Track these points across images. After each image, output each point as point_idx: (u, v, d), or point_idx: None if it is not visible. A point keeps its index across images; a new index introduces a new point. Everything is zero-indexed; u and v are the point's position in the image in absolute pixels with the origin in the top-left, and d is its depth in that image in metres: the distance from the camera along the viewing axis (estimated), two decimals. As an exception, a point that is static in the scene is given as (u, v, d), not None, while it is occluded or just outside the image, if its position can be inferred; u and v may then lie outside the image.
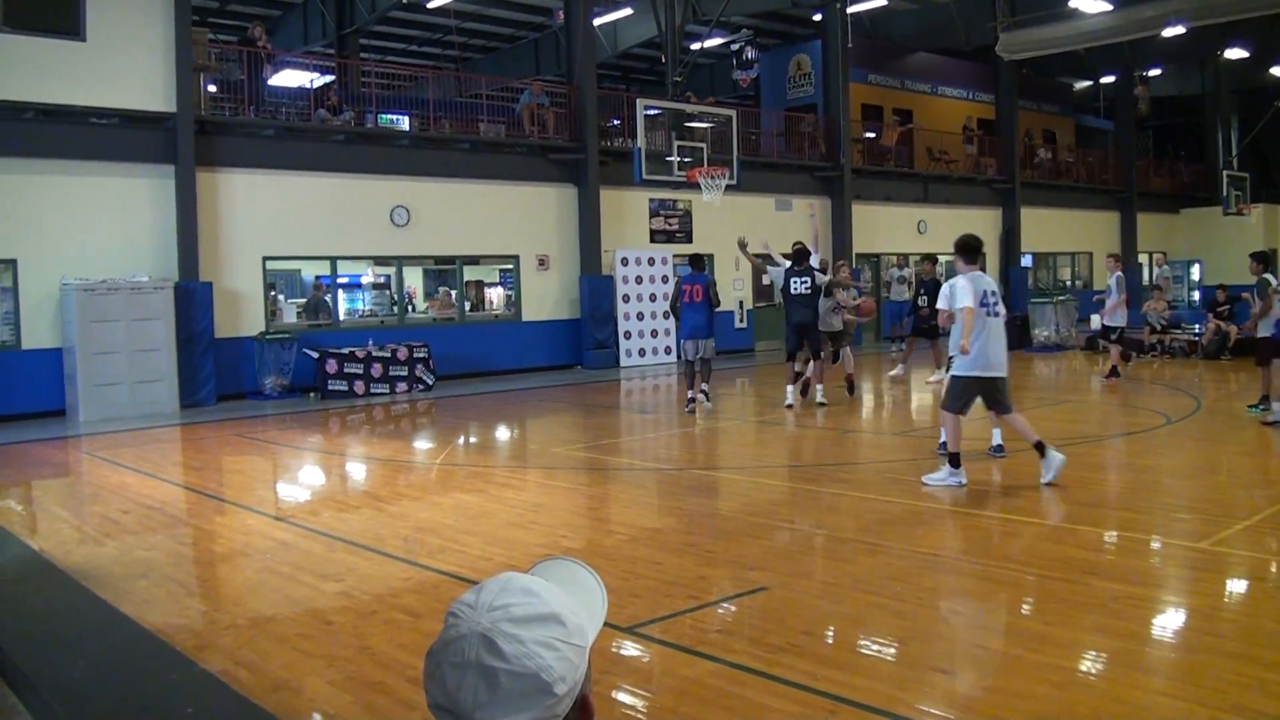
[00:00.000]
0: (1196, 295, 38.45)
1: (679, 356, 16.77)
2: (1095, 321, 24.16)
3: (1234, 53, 35.08)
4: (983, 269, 9.69)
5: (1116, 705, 4.57)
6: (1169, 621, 5.93)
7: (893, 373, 18.72)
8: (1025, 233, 33.99)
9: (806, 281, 14.78)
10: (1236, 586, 6.53)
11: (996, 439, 10.62)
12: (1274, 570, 6.85)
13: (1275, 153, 42.37)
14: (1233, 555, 7.03)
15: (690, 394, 15.33)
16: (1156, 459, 11.21)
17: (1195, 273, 40.30)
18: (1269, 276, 13.22)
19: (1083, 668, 5.12)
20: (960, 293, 9.14)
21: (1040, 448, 9.12)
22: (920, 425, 13.89)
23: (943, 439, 10.20)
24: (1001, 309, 9.44)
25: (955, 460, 9.24)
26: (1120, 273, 17.34)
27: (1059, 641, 5.41)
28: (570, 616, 1.39)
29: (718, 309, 15.20)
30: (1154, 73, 40.60)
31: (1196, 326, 22.51)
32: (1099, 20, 27.01)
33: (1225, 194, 36.41)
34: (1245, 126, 40.62)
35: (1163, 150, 44.77)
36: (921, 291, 16.89)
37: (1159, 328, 22.39)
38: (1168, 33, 27.51)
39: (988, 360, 9.15)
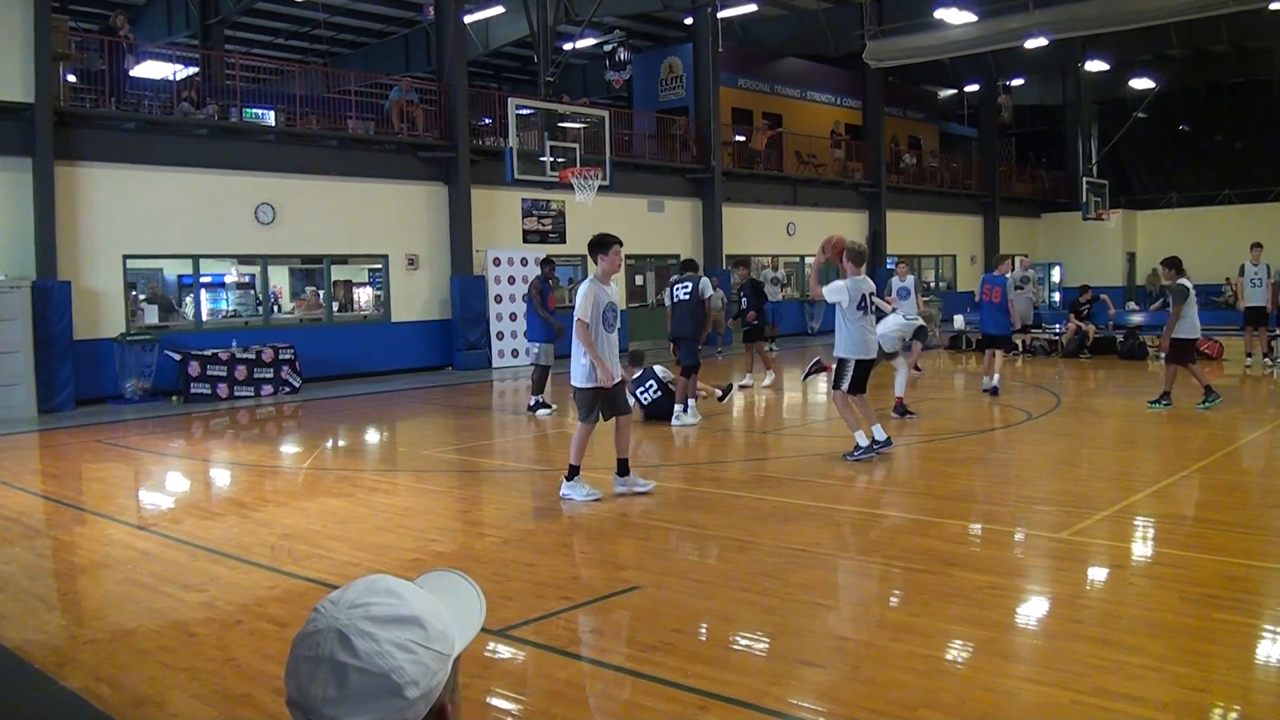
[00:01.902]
0: (1057, 296, 39.80)
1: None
2: (959, 322, 24.93)
3: (1094, 65, 36.51)
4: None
5: (980, 691, 4.70)
6: (1031, 609, 6.11)
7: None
8: (890, 235, 34.78)
9: (687, 288, 14.38)
10: (1095, 574, 6.76)
11: (880, 433, 10.70)
12: (1131, 558, 7.12)
13: (1133, 161, 44.14)
14: (1091, 544, 7.29)
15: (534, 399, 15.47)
16: (1018, 453, 11.56)
17: (1056, 275, 41.73)
18: (1185, 281, 13.72)
19: (947, 656, 5.26)
20: (581, 301, 8.91)
21: (574, 470, 9.08)
22: (791, 425, 14.09)
23: (862, 447, 10.47)
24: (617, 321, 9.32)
25: (574, 472, 9.11)
26: (913, 276, 19.83)
27: (924, 631, 5.55)
28: (434, 622, 1.39)
29: (551, 312, 15.35)
30: (1017, 82, 42.05)
31: (1057, 326, 23.27)
32: (963, 31, 27.78)
33: (1085, 200, 37.77)
34: (1105, 136, 42.21)
35: (1025, 157, 46.33)
36: (741, 295, 16.91)
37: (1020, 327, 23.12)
38: (1030, 44, 28.45)
39: (607, 371, 8.95)
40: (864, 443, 10.51)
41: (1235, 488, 9.43)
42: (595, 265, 9.15)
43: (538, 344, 15.39)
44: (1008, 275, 16.22)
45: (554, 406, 15.36)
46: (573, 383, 9.10)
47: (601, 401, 9.07)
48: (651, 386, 14.03)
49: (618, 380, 9.09)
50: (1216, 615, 5.62)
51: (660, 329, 23.18)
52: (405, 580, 1.45)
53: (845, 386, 10.66)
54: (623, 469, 9.25)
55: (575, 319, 8.85)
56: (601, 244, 9.14)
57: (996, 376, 15.72)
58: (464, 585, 1.54)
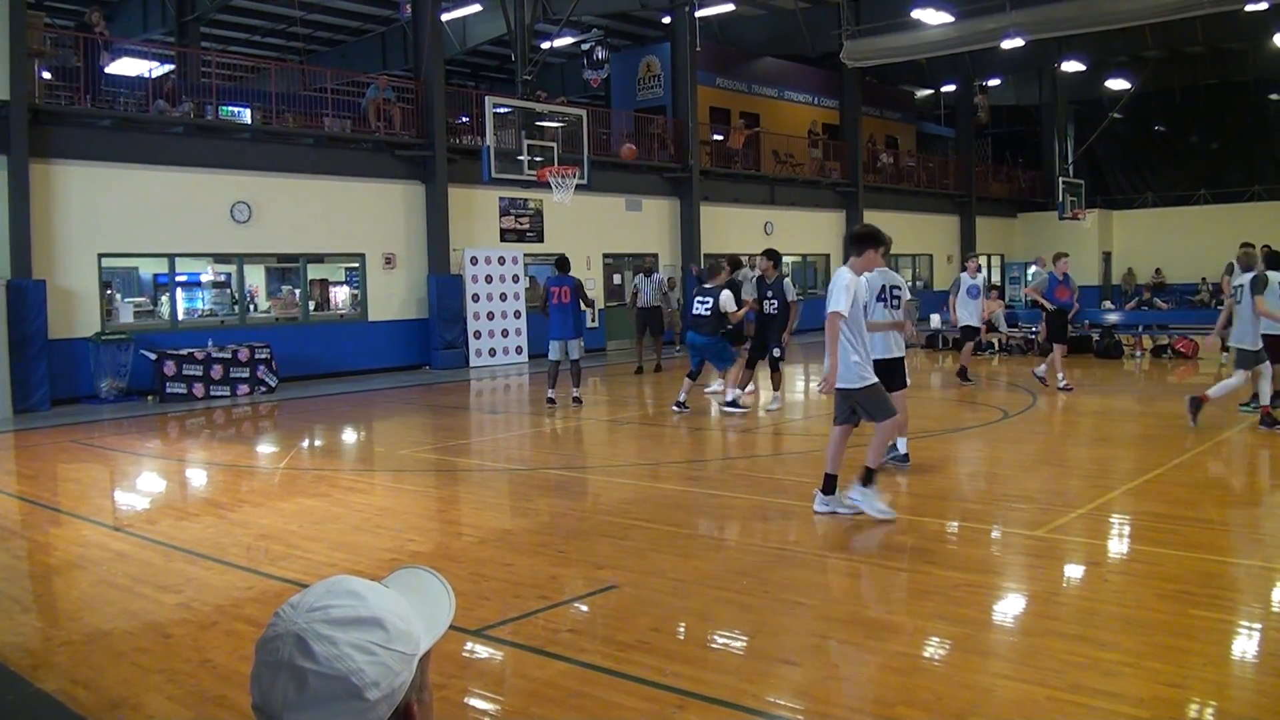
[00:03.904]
0: (1035, 295, 39.94)
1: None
2: (935, 321, 24.93)
3: (1070, 65, 36.71)
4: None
5: (958, 689, 4.72)
6: (1008, 606, 6.15)
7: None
8: (868, 234, 34.77)
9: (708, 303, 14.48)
10: (1071, 571, 6.79)
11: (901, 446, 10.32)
12: (1107, 555, 7.16)
13: (1109, 161, 44.41)
14: (1068, 542, 7.32)
15: (550, 393, 15.79)
16: (994, 452, 11.61)
17: (1031, 274, 41.91)
18: (1273, 274, 12.61)
19: (925, 654, 5.27)
20: (839, 293, 7.85)
21: (831, 482, 8.16)
22: (768, 424, 14.10)
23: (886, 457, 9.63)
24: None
25: (831, 484, 8.20)
26: (984, 274, 18.25)
27: (901, 629, 5.58)
28: (396, 622, 1.38)
29: (587, 309, 15.61)
30: (993, 83, 42.23)
31: (1033, 326, 23.37)
32: (940, 31, 27.88)
33: (1061, 199, 37.95)
34: (1081, 135, 42.47)
35: (1001, 157, 46.55)
36: (770, 297, 16.64)
37: (997, 326, 23.26)
38: (1007, 45, 28.55)
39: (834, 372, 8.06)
40: (902, 449, 10.16)
41: (1211, 485, 9.49)
42: (857, 257, 8.02)
43: (574, 340, 15.60)
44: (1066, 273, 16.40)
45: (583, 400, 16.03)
46: (839, 385, 8.02)
47: (859, 403, 8.10)
48: (708, 303, 14.11)
49: (871, 382, 8.02)
50: (1192, 611, 5.65)
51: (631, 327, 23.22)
52: (371, 580, 1.44)
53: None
54: (867, 478, 8.03)
55: (830, 311, 7.81)
56: (876, 239, 8.07)
57: (1062, 375, 15.98)
58: (432, 582, 1.53)
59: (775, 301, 14.19)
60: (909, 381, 10.11)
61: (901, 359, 10.00)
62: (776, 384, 14.84)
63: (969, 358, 17.62)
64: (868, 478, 7.97)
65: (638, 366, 21.05)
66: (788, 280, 14.52)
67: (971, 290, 17.52)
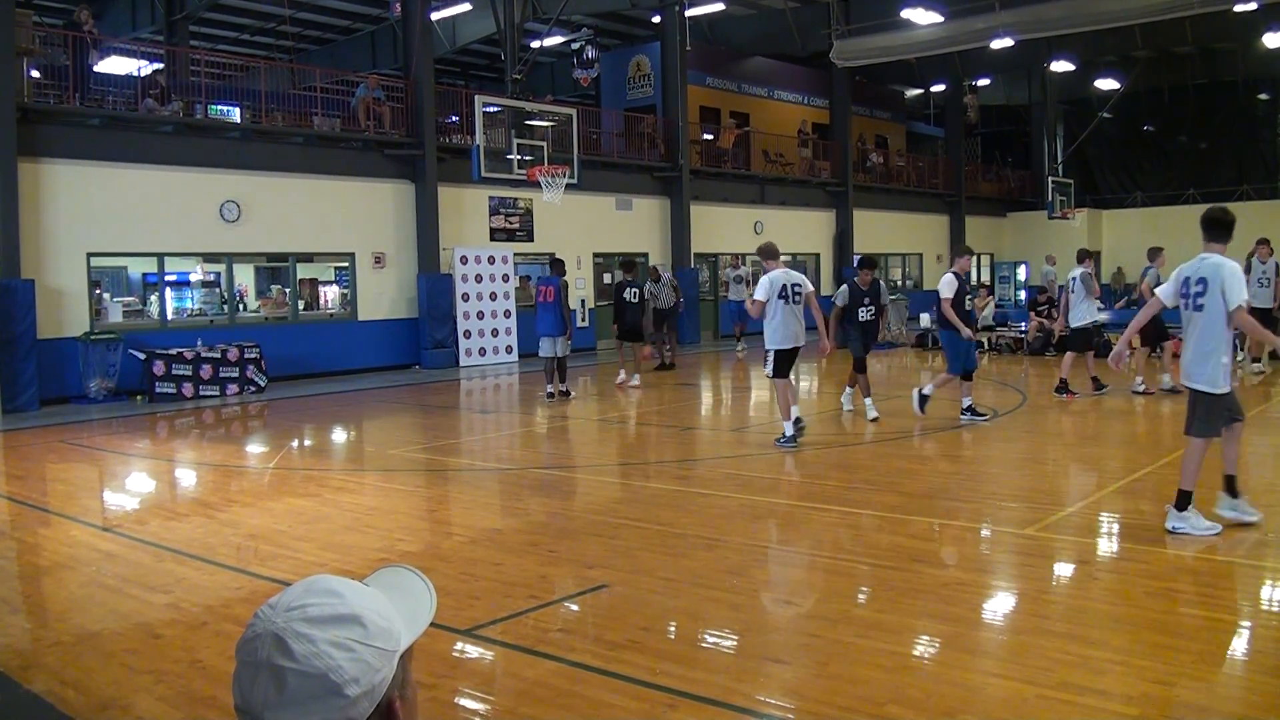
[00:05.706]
0: (1023, 295, 40.07)
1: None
2: (925, 320, 24.95)
3: (1060, 65, 36.76)
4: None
5: (947, 687, 4.73)
6: (997, 605, 6.16)
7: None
8: (858, 234, 34.90)
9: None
10: (1061, 569, 6.82)
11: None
12: (1096, 553, 7.18)
13: (1098, 161, 44.52)
14: (1057, 540, 7.34)
15: (549, 388, 16.29)
16: (984, 450, 11.63)
17: (1022, 273, 42.02)
18: None
19: (914, 652, 5.30)
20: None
21: (1186, 498, 7.30)
22: (757, 422, 14.11)
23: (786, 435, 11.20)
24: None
25: (1186, 500, 7.31)
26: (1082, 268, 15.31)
27: (891, 628, 5.58)
28: (375, 619, 1.38)
29: (573, 310, 15.94)
30: (983, 82, 42.30)
31: (1022, 325, 23.40)
32: (930, 31, 27.91)
33: (1050, 199, 38.03)
34: (1070, 135, 42.55)
35: (991, 156, 46.62)
36: (866, 300, 15.92)
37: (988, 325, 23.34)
38: (996, 45, 28.61)
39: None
40: (789, 432, 11.37)
41: (1199, 483, 9.51)
42: (1222, 244, 7.75)
43: (559, 337, 16.07)
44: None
45: (572, 393, 16.63)
46: (1197, 386, 7.31)
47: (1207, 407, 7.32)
48: (872, 309, 13.99)
49: (1230, 389, 7.31)
50: (1180, 609, 5.68)
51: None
52: (351, 579, 1.44)
53: (771, 372, 11.62)
54: (1233, 488, 7.43)
55: (1239, 303, 7.19)
56: (1229, 225, 7.77)
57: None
58: (413, 580, 1.54)
59: (872, 307, 14.04)
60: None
61: (799, 349, 11.58)
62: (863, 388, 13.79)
63: (1093, 366, 15.44)
64: (1232, 486, 7.40)
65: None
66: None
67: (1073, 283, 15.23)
